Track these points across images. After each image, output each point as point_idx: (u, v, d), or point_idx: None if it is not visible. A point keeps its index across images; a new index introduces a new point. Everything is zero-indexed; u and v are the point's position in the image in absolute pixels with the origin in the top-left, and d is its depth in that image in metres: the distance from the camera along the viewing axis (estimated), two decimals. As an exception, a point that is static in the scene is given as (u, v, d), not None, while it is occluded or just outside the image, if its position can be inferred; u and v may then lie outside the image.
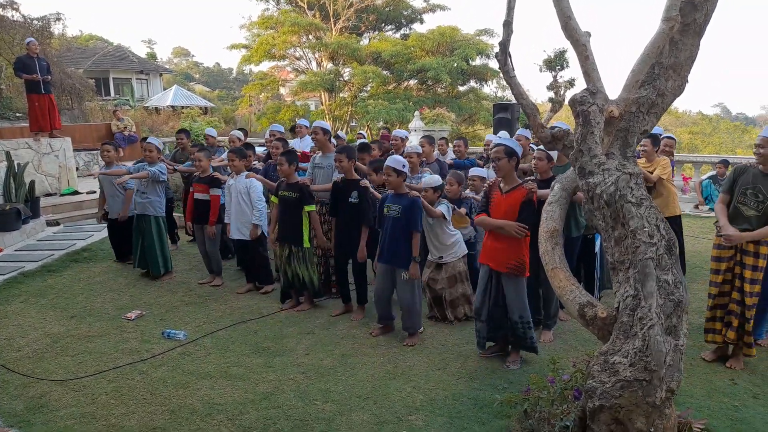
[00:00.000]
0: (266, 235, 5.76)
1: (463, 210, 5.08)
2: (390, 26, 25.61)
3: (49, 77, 10.09)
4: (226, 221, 5.85)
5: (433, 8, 24.62)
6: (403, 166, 4.55)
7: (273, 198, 5.41)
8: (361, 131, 11.09)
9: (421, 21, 25.21)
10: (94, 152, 13.27)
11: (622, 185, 2.74)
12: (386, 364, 4.19)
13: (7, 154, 8.49)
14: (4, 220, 7.53)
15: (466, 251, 5.06)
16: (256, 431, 3.29)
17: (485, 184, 4.59)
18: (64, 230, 8.57)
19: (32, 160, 9.72)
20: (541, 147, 4.66)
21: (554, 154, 4.66)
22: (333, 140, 7.28)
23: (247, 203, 5.65)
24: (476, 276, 5.45)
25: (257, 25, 23.49)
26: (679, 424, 2.81)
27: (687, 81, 3.25)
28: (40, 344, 4.52)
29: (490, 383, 3.89)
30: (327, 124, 5.88)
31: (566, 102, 3.38)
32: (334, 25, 23.32)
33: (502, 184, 4.12)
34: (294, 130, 8.10)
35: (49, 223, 8.70)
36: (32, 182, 8.44)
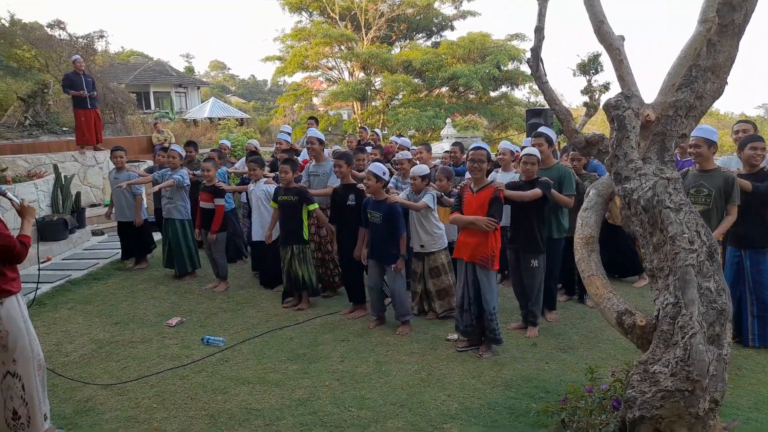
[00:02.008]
0: None
1: (450, 200, 5.30)
2: (421, 34, 25.71)
3: (95, 93, 10.52)
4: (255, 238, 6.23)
5: (463, 15, 24.61)
6: (384, 173, 4.95)
7: (272, 203, 5.72)
8: (375, 129, 11.17)
9: (452, 28, 25.25)
10: (136, 164, 13.69)
11: (659, 190, 2.69)
12: (420, 372, 4.19)
13: (55, 166, 8.88)
14: (52, 230, 7.86)
15: (447, 244, 5.30)
16: (292, 437, 3.34)
17: (459, 185, 4.92)
18: (108, 240, 8.89)
19: (78, 172, 10.12)
20: (528, 150, 4.87)
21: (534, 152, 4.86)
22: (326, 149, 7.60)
23: (266, 208, 6.00)
24: None
25: (291, 37, 23.95)
26: (724, 436, 2.72)
27: (726, 83, 3.17)
28: (87, 350, 4.70)
29: (526, 392, 3.84)
30: (321, 134, 6.37)
31: (601, 106, 3.34)
32: (366, 35, 23.56)
33: (472, 185, 4.48)
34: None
35: (94, 233, 9.04)
36: (78, 193, 8.80)
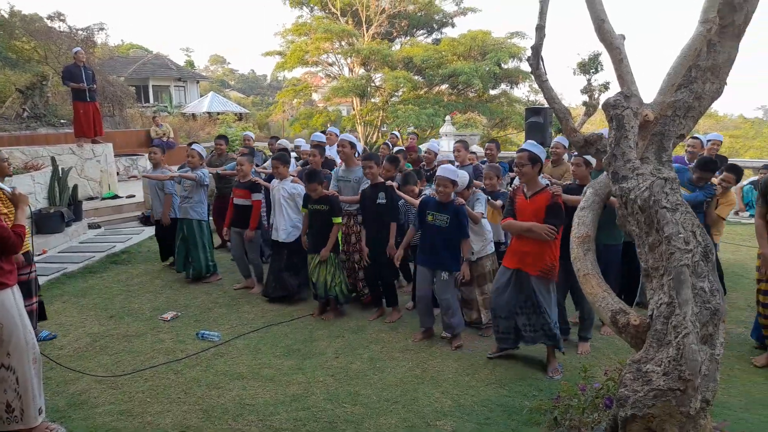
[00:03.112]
0: None
1: (498, 203, 5.08)
2: (422, 31, 25.64)
3: (94, 86, 10.48)
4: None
5: (464, 11, 24.54)
6: (457, 176, 4.58)
7: (302, 209, 5.46)
8: (394, 132, 11.15)
9: (453, 25, 25.16)
10: (135, 158, 13.70)
11: (656, 190, 2.69)
12: (415, 369, 4.19)
13: (53, 159, 8.86)
14: (48, 223, 7.84)
15: (493, 250, 5.02)
16: (286, 432, 3.34)
17: (510, 189, 4.61)
18: (105, 233, 8.87)
19: (75, 165, 10.09)
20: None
21: (592, 159, 4.60)
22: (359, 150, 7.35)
23: (291, 207, 5.66)
24: None
25: (291, 32, 23.86)
26: (715, 436, 2.73)
27: (725, 84, 3.16)
28: (81, 343, 4.69)
29: (520, 390, 3.85)
30: (354, 137, 5.86)
31: (600, 106, 3.33)
32: (366, 31, 23.49)
33: (525, 189, 4.16)
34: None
35: (91, 226, 9.02)
36: (75, 186, 8.77)
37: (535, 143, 4.28)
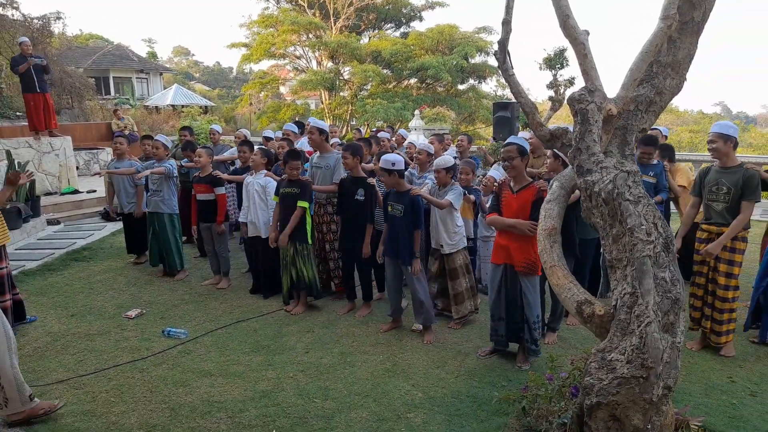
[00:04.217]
0: None
1: (472, 197, 5.10)
2: (390, 25, 25.60)
3: (47, 77, 10.07)
4: (241, 220, 5.79)
5: (432, 5, 24.61)
6: (393, 164, 4.57)
7: (274, 197, 5.38)
8: (358, 128, 11.21)
9: (421, 19, 25.22)
10: (95, 151, 13.30)
11: (620, 183, 2.75)
12: (385, 363, 4.20)
13: (8, 152, 8.52)
14: (4, 219, 7.52)
15: (466, 244, 5.01)
16: (255, 429, 3.30)
17: (495, 184, 4.59)
18: (65, 229, 8.59)
19: (33, 159, 9.74)
20: None
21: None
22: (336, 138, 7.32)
23: (264, 201, 5.58)
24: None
25: (257, 24, 23.49)
26: (676, 421, 2.82)
27: (685, 79, 3.26)
28: (41, 342, 4.54)
29: (489, 381, 3.90)
30: (324, 123, 5.81)
31: (566, 101, 3.38)
32: (334, 23, 23.32)
33: (512, 183, 4.14)
34: (303, 128, 8.11)
35: (50, 222, 8.72)
36: (33, 181, 8.45)
37: (520, 137, 4.35)
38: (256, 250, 5.73)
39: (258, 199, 5.57)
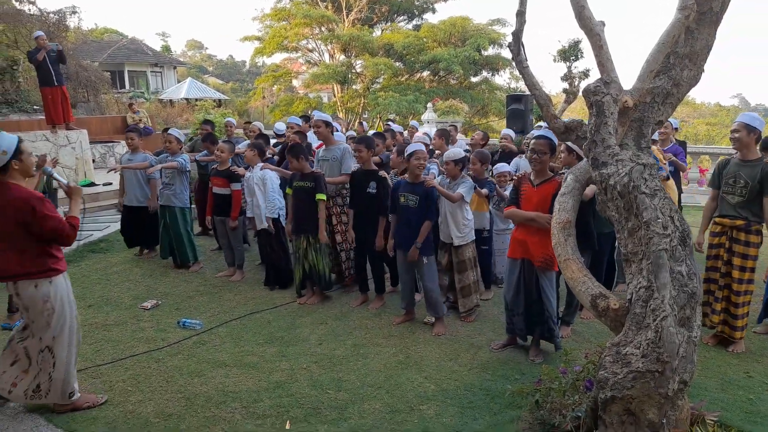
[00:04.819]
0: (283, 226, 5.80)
1: (485, 191, 5.07)
2: (402, 17, 25.49)
3: (63, 67, 10.15)
4: (248, 215, 5.88)
5: (445, -3, 24.46)
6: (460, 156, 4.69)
7: (288, 190, 5.42)
8: (361, 122, 11.24)
9: (434, 11, 25.10)
10: (110, 144, 13.44)
11: (635, 176, 2.72)
12: (398, 355, 4.22)
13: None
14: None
15: (474, 237, 4.99)
16: (269, 419, 3.34)
17: (514, 177, 4.55)
18: (81, 221, 8.68)
19: (50, 152, 9.85)
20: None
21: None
22: (340, 131, 7.34)
23: (263, 193, 5.63)
24: (486, 274, 5.49)
25: (270, 17, 23.53)
26: (692, 416, 2.81)
27: (703, 71, 3.21)
28: (59, 333, 4.61)
29: (502, 374, 3.90)
30: (328, 116, 5.86)
31: (581, 92, 3.35)
32: (347, 16, 23.27)
33: (532, 177, 4.08)
34: (309, 122, 8.12)
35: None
36: (50, 174, 8.55)
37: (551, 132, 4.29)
38: (267, 241, 5.79)
39: (258, 192, 5.63)
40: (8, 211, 3.12)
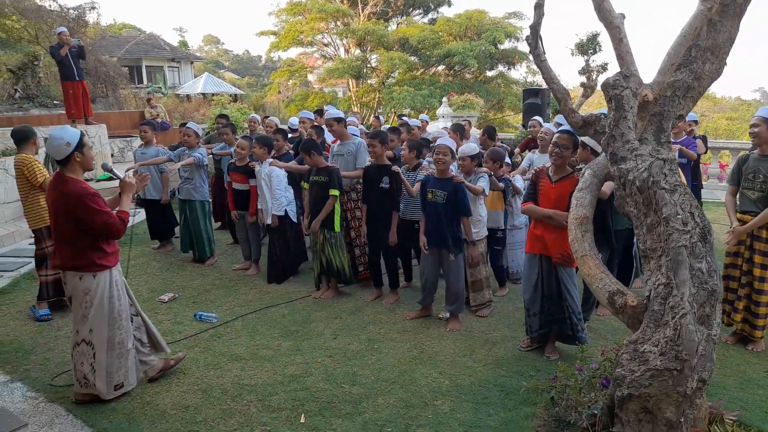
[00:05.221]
0: (293, 221, 5.82)
1: (501, 185, 5.05)
2: (418, 11, 25.35)
3: (83, 62, 10.27)
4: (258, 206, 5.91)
5: (461, -10, 24.26)
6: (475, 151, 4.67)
7: (304, 184, 5.43)
8: (377, 116, 11.22)
9: (449, 4, 24.88)
10: (128, 139, 13.58)
11: (655, 171, 2.68)
12: (412, 350, 4.22)
13: (46, 140, 8.75)
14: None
15: (486, 233, 4.98)
16: (285, 412, 3.36)
17: (531, 171, 4.49)
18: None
19: (69, 146, 9.97)
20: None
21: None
22: (356, 124, 7.35)
23: (269, 188, 5.65)
24: (498, 272, 5.46)
25: (286, 12, 23.54)
26: (710, 415, 2.77)
27: (725, 64, 3.14)
28: (79, 324, 4.69)
29: (517, 370, 3.88)
30: (339, 112, 5.90)
31: (598, 87, 3.31)
32: (362, 10, 23.20)
33: (551, 173, 4.02)
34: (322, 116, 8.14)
35: (86, 208, 8.94)
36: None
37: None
38: (271, 236, 5.85)
39: (264, 186, 5.64)
40: (62, 205, 3.26)
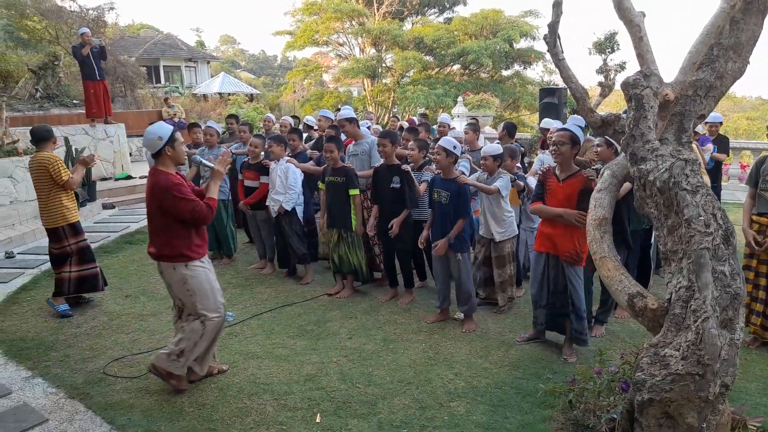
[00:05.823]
0: (299, 217, 5.83)
1: (520, 183, 5.03)
2: (433, 10, 25.27)
3: (103, 63, 10.42)
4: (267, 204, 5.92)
5: (477, -11, 24.13)
6: (454, 147, 4.52)
7: (320, 184, 5.44)
8: (396, 115, 11.17)
9: (465, 3, 24.77)
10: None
11: (676, 172, 2.64)
12: (428, 351, 4.20)
13: (66, 139, 8.89)
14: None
15: (516, 232, 4.96)
16: (300, 411, 3.37)
17: (539, 171, 4.49)
18: (119, 213, 8.94)
19: (89, 145, 10.13)
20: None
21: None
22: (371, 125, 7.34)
23: (283, 185, 5.65)
24: (516, 271, 5.42)
25: (301, 12, 23.61)
26: (732, 421, 2.71)
27: (748, 62, 3.08)
28: (97, 322, 4.75)
29: (533, 372, 3.85)
30: (351, 112, 5.92)
31: (616, 86, 3.26)
32: (377, 10, 23.19)
33: (558, 171, 4.02)
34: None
35: (105, 207, 9.09)
36: (89, 167, 8.80)
37: (578, 125, 4.22)
38: (279, 228, 5.84)
39: (278, 183, 5.64)
40: (154, 197, 3.40)
